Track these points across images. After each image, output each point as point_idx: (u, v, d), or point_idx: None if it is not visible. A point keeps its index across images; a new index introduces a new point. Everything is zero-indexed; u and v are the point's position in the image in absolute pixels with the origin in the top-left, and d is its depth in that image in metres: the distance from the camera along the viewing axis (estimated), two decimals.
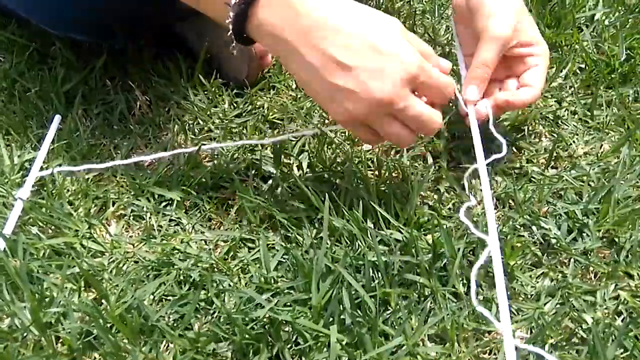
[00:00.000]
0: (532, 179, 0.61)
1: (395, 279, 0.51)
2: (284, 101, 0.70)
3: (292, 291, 0.51)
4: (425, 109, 0.50)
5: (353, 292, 0.49)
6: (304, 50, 0.48)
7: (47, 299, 0.49)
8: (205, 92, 0.71)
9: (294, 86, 0.73)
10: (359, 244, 0.53)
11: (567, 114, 0.70)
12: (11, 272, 0.50)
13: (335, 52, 0.47)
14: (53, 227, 0.55)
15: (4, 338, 0.48)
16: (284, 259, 0.54)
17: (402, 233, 0.53)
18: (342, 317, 0.49)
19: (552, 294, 0.51)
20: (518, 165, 0.63)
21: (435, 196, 0.59)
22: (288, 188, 0.60)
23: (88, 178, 0.60)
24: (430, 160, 0.63)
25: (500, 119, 0.68)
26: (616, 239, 0.55)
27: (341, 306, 0.49)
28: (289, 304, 0.49)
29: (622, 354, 0.47)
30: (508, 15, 0.56)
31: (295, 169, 0.62)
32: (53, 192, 0.58)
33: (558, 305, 0.51)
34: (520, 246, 0.54)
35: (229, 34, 0.50)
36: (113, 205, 0.59)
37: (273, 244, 0.55)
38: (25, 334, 0.48)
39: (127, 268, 0.53)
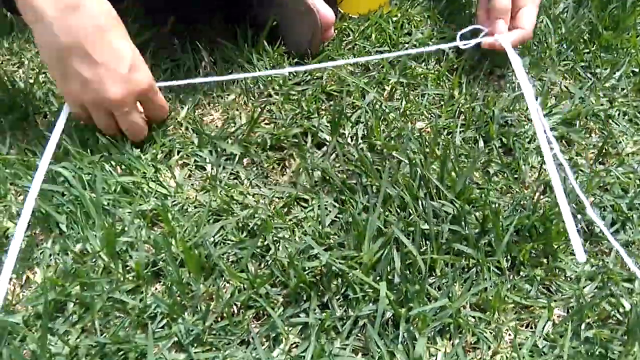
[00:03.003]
0: (580, 170, 0.62)
1: (443, 248, 0.54)
2: (342, 74, 0.73)
3: (342, 248, 0.54)
4: (140, 118, 0.60)
5: (404, 254, 0.51)
6: (58, 27, 0.54)
7: (118, 230, 0.53)
8: (268, 59, 0.73)
9: (352, 61, 0.75)
10: (410, 212, 0.56)
11: (618, 114, 0.71)
12: (86, 202, 0.53)
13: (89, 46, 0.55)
14: (123, 167, 0.59)
15: (75, 261, 0.52)
16: (337, 218, 0.56)
17: (453, 205, 0.56)
18: (389, 277, 0.51)
19: (592, 278, 0.53)
20: (567, 157, 0.65)
21: (485, 177, 0.61)
22: (342, 156, 0.62)
23: (156, 126, 0.64)
24: (481, 143, 0.65)
25: (552, 112, 0.70)
26: None
27: (389, 267, 0.52)
28: (340, 259, 0.52)
29: None
30: None
31: (349, 139, 0.65)
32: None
33: (597, 289, 0.53)
34: (565, 232, 0.56)
35: None
36: (178, 154, 0.62)
37: (326, 205, 0.58)
38: (95, 260, 0.52)
39: (190, 211, 0.56)
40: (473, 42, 0.69)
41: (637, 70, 0.77)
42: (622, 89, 0.75)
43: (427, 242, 0.54)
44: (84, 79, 0.56)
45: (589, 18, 0.83)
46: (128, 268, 0.52)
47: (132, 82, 0.58)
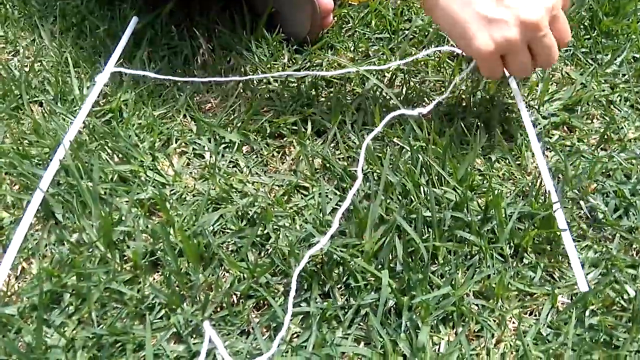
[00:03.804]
0: (582, 156, 0.62)
1: (445, 235, 0.53)
2: (342, 61, 0.72)
3: (344, 236, 0.53)
4: (554, 41, 0.56)
5: (406, 241, 0.51)
6: None
7: (115, 219, 0.52)
8: (267, 46, 0.72)
9: (352, 47, 0.74)
10: (411, 199, 0.55)
11: (620, 100, 0.70)
12: (83, 191, 0.53)
13: None
14: (120, 155, 0.58)
15: (71, 251, 0.51)
16: (338, 206, 0.56)
17: (456, 192, 0.55)
18: (391, 265, 0.51)
19: (595, 264, 0.53)
20: (569, 143, 0.64)
21: (487, 164, 0.60)
22: (343, 143, 0.61)
23: (154, 113, 0.63)
24: (482, 130, 0.64)
25: (553, 98, 0.69)
26: None
27: (391, 255, 0.51)
28: (341, 247, 0.51)
29: None
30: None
31: (350, 126, 0.64)
32: (122, 122, 0.61)
33: (600, 276, 0.52)
34: (568, 218, 0.55)
35: None
36: (176, 142, 0.61)
37: (327, 193, 0.57)
38: (91, 250, 0.51)
39: (189, 200, 0.56)
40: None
41: (638, 56, 0.77)
42: (624, 75, 0.74)
43: (430, 230, 0.53)
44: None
45: (589, 4, 0.83)
46: (125, 258, 0.51)
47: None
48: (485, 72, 0.58)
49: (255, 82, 0.69)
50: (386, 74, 0.70)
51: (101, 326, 0.46)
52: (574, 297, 0.51)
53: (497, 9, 0.53)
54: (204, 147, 0.61)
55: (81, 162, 0.55)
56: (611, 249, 0.54)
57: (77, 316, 0.47)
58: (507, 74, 0.62)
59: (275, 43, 0.72)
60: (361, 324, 0.48)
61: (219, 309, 0.48)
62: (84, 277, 0.49)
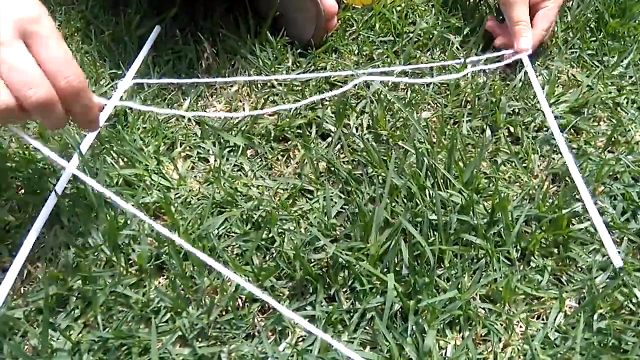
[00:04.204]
0: (589, 159, 0.61)
1: (451, 238, 0.53)
2: (346, 64, 0.72)
3: (349, 239, 0.53)
4: (27, 62, 0.38)
5: (411, 245, 0.50)
6: None
7: (120, 223, 0.52)
8: (271, 49, 0.72)
9: (356, 51, 0.74)
10: (417, 202, 0.55)
11: (627, 102, 0.70)
12: (89, 195, 0.53)
13: None
14: (125, 159, 0.58)
15: (77, 254, 0.51)
16: (343, 209, 0.55)
17: (461, 195, 0.54)
18: (397, 268, 0.50)
19: (603, 268, 0.52)
20: (576, 145, 0.63)
21: (493, 167, 0.60)
22: (347, 146, 0.61)
23: (159, 117, 0.63)
24: (488, 132, 0.64)
25: (560, 100, 0.68)
26: None
27: (396, 258, 0.51)
28: (346, 251, 0.51)
29: None
30: None
31: (354, 129, 0.64)
32: (127, 126, 0.61)
33: (609, 279, 0.52)
34: (575, 222, 0.55)
35: None
36: (180, 145, 0.61)
37: (331, 196, 0.57)
38: (97, 253, 0.51)
39: (193, 203, 0.55)
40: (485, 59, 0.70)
41: None
42: (630, 77, 0.73)
43: (435, 233, 0.53)
44: None
45: (595, 6, 0.82)
46: (131, 261, 0.51)
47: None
48: None
49: (259, 85, 0.69)
50: (390, 77, 0.70)
51: (107, 329, 0.46)
52: (581, 301, 0.50)
53: None
54: (208, 150, 0.61)
55: (87, 166, 0.55)
56: (619, 252, 0.53)
57: (82, 319, 0.47)
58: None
59: (279, 46, 0.72)
60: (367, 327, 0.48)
61: (224, 313, 0.48)
62: (89, 280, 0.48)
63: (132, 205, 0.54)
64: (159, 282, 0.50)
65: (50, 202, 0.51)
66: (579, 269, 0.53)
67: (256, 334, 0.47)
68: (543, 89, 0.69)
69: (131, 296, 0.48)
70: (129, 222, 0.52)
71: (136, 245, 0.51)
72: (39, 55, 0.39)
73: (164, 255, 0.50)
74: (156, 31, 0.62)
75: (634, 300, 0.50)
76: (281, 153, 0.62)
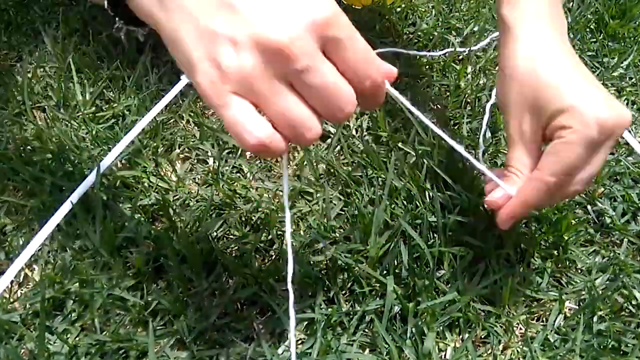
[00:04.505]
0: None
1: (451, 240, 0.52)
2: None
3: (348, 242, 0.52)
4: (338, 78, 0.32)
5: (411, 247, 0.50)
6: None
7: (118, 225, 0.52)
8: None
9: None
10: (417, 204, 0.55)
11: (627, 103, 0.70)
12: (85, 196, 0.52)
13: None
14: (123, 161, 0.58)
15: (74, 257, 0.50)
16: (343, 211, 0.55)
17: (461, 197, 0.54)
18: (396, 271, 0.50)
19: (603, 269, 0.52)
20: None
21: (493, 168, 0.60)
22: (347, 148, 0.61)
23: (157, 119, 0.62)
24: (488, 134, 0.64)
25: None
26: None
27: (396, 260, 0.51)
28: (346, 253, 0.51)
29: None
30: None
31: (354, 131, 0.64)
32: (125, 127, 0.61)
33: (608, 281, 0.51)
34: (575, 223, 0.55)
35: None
36: (179, 147, 0.61)
37: (331, 198, 0.57)
38: (94, 256, 0.51)
39: (192, 205, 0.55)
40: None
41: None
42: (630, 78, 0.73)
43: (435, 235, 0.52)
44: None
45: (595, 7, 0.82)
46: (128, 264, 0.50)
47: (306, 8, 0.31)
48: (228, 126, 0.32)
49: None
50: None
51: (104, 333, 0.46)
52: (581, 303, 0.50)
53: (226, 24, 0.31)
54: (207, 152, 0.61)
55: (82, 171, 0.55)
56: (619, 253, 0.53)
57: (80, 323, 0.47)
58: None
59: None
60: (366, 330, 0.48)
61: (222, 315, 0.48)
62: (86, 283, 0.48)
63: (130, 207, 0.54)
64: (157, 285, 0.50)
65: (63, 209, 0.50)
66: (579, 271, 0.53)
67: (255, 336, 0.47)
68: None
69: (129, 299, 0.48)
70: (126, 224, 0.52)
71: (134, 248, 0.51)
72: (344, 63, 0.33)
73: (162, 258, 0.50)
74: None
75: (633, 302, 0.50)
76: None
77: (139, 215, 0.54)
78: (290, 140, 0.33)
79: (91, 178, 0.52)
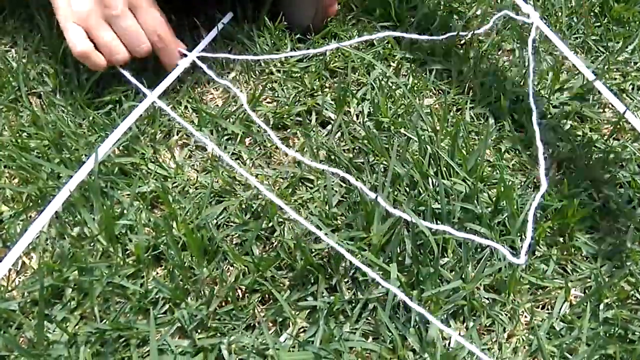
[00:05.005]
0: (595, 146, 0.60)
1: (455, 227, 0.51)
2: (346, 50, 0.70)
3: (350, 229, 0.52)
4: (138, 27, 0.57)
5: (414, 234, 0.49)
6: None
7: (116, 213, 0.51)
8: (269, 35, 0.71)
9: (356, 36, 0.72)
10: (420, 191, 0.54)
11: (632, 88, 0.69)
12: (83, 183, 0.51)
13: None
14: (121, 148, 0.57)
15: (73, 245, 0.50)
16: (344, 198, 0.54)
17: (465, 183, 0.53)
18: (400, 258, 0.50)
19: (609, 257, 0.52)
20: (581, 133, 0.62)
21: (497, 154, 0.59)
22: (348, 134, 0.60)
23: (155, 105, 0.61)
24: (491, 120, 0.63)
25: (564, 87, 0.67)
26: None
27: (399, 248, 0.50)
28: (348, 240, 0.50)
29: None
30: None
31: (355, 116, 0.63)
32: (122, 114, 0.60)
33: (615, 269, 0.51)
34: (581, 210, 0.54)
35: None
36: (177, 134, 0.60)
37: (332, 185, 0.56)
38: (93, 244, 0.50)
39: (191, 193, 0.54)
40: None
41: None
42: (635, 63, 0.72)
43: (439, 222, 0.52)
44: None
45: None
46: (128, 252, 0.50)
47: None
48: (68, 40, 0.57)
49: (257, 72, 0.68)
50: (391, 63, 0.69)
51: (104, 321, 0.45)
52: (587, 291, 0.50)
53: None
54: (206, 138, 0.59)
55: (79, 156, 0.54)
56: (625, 240, 0.52)
57: (79, 311, 0.46)
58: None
59: (277, 32, 0.70)
60: (369, 318, 0.47)
61: (223, 304, 0.47)
62: (85, 271, 0.47)
63: (129, 194, 0.53)
64: (157, 273, 0.49)
65: (61, 197, 0.50)
66: (585, 258, 0.52)
67: (256, 325, 0.46)
68: (547, 75, 0.68)
69: (129, 287, 0.47)
70: (125, 211, 0.51)
71: (133, 235, 0.50)
72: (140, 19, 0.57)
73: (161, 246, 0.49)
74: (229, 17, 0.67)
75: None
76: (280, 141, 0.60)
77: (138, 202, 0.53)
78: (106, 58, 0.57)
79: (89, 165, 0.51)
